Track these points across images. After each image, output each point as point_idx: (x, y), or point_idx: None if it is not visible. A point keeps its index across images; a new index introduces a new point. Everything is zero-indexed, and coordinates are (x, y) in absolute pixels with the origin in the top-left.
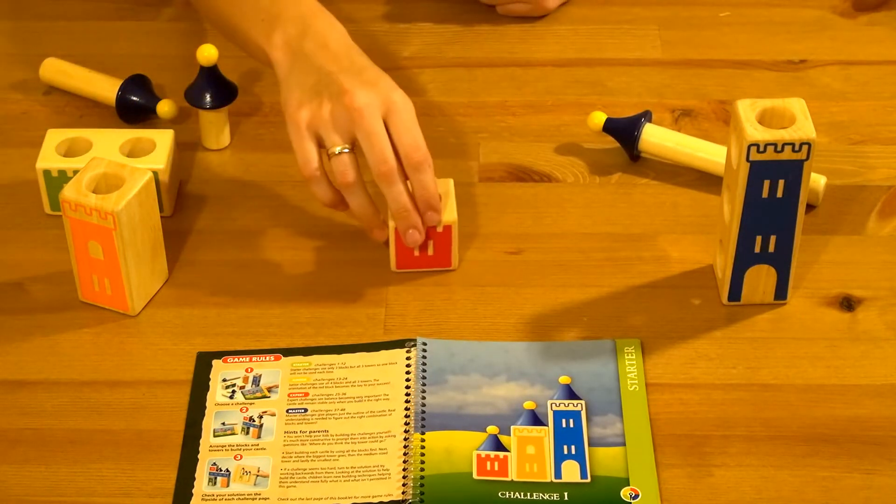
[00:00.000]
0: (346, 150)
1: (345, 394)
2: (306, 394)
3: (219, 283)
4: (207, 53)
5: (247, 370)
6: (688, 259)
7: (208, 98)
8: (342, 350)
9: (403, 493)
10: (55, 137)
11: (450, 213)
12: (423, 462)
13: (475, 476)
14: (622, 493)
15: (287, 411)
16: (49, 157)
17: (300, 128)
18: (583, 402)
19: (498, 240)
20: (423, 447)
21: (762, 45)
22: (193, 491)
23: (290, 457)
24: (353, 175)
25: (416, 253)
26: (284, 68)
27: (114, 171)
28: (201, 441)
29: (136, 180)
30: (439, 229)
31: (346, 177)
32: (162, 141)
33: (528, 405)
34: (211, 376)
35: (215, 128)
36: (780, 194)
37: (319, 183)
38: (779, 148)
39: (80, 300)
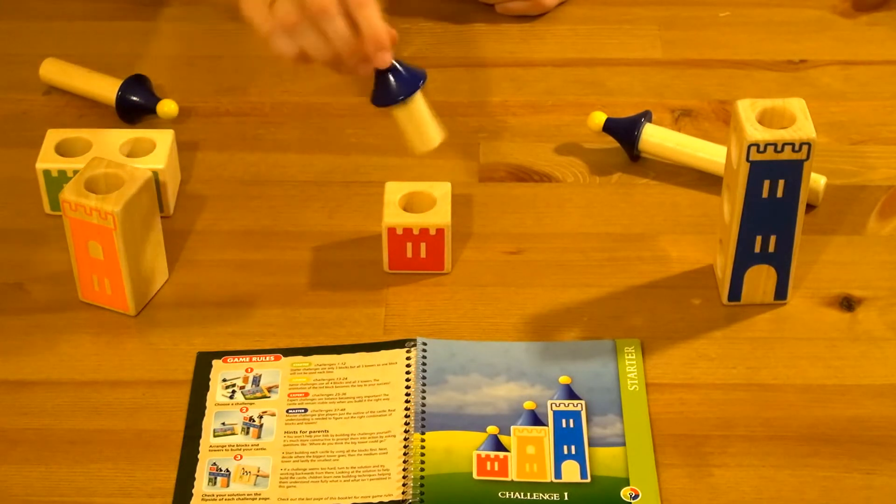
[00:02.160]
0: None
1: (345, 394)
2: (306, 394)
3: (219, 283)
4: None
5: (247, 370)
6: (688, 259)
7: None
8: (342, 350)
9: (403, 493)
10: (55, 137)
11: (443, 217)
12: (423, 462)
13: (475, 476)
14: (622, 493)
15: (287, 411)
16: (49, 157)
17: None
18: (583, 402)
19: (498, 240)
20: (423, 447)
21: (762, 45)
22: (193, 491)
23: (290, 457)
24: (297, 14)
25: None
26: None
27: (114, 171)
28: (201, 441)
29: (136, 180)
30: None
31: (290, 16)
32: (162, 141)
33: (528, 405)
34: (211, 376)
35: (413, 125)
36: (780, 194)
37: (278, 37)
38: (779, 148)
39: (80, 300)
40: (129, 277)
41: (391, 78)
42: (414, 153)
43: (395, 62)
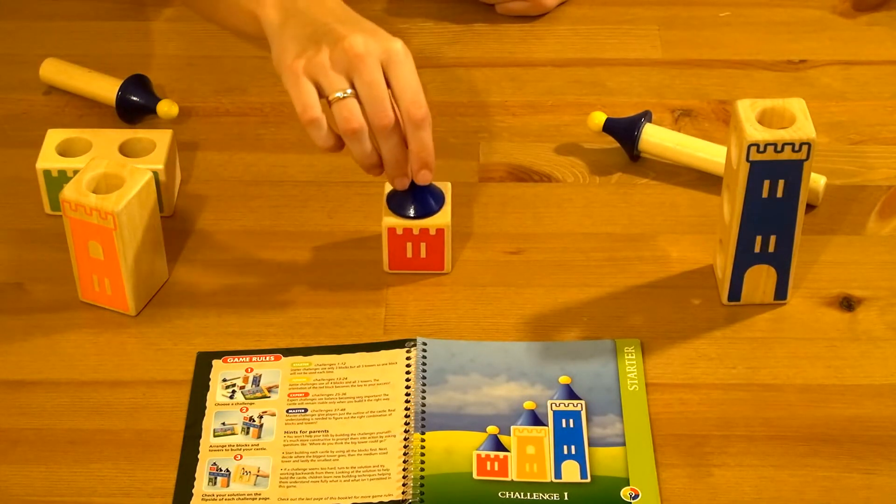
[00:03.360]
0: (349, 94)
1: (345, 394)
2: (306, 394)
3: (219, 283)
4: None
5: (247, 370)
6: (688, 259)
7: (412, 209)
8: (342, 350)
9: (403, 493)
10: (55, 137)
11: (443, 217)
12: (423, 462)
13: (475, 476)
14: (622, 493)
15: (287, 411)
16: (49, 157)
17: (297, 73)
18: (583, 402)
19: (498, 240)
20: (423, 447)
21: (762, 45)
22: (193, 491)
23: (290, 457)
24: (359, 121)
25: (409, 255)
26: (276, 24)
27: (114, 171)
28: (201, 441)
29: (136, 180)
30: (432, 232)
31: (352, 123)
32: (162, 141)
33: (528, 405)
34: (211, 376)
35: None
36: (780, 194)
37: (320, 128)
38: (779, 148)
39: (80, 300)
40: (129, 277)
41: (418, 195)
42: None
43: None
